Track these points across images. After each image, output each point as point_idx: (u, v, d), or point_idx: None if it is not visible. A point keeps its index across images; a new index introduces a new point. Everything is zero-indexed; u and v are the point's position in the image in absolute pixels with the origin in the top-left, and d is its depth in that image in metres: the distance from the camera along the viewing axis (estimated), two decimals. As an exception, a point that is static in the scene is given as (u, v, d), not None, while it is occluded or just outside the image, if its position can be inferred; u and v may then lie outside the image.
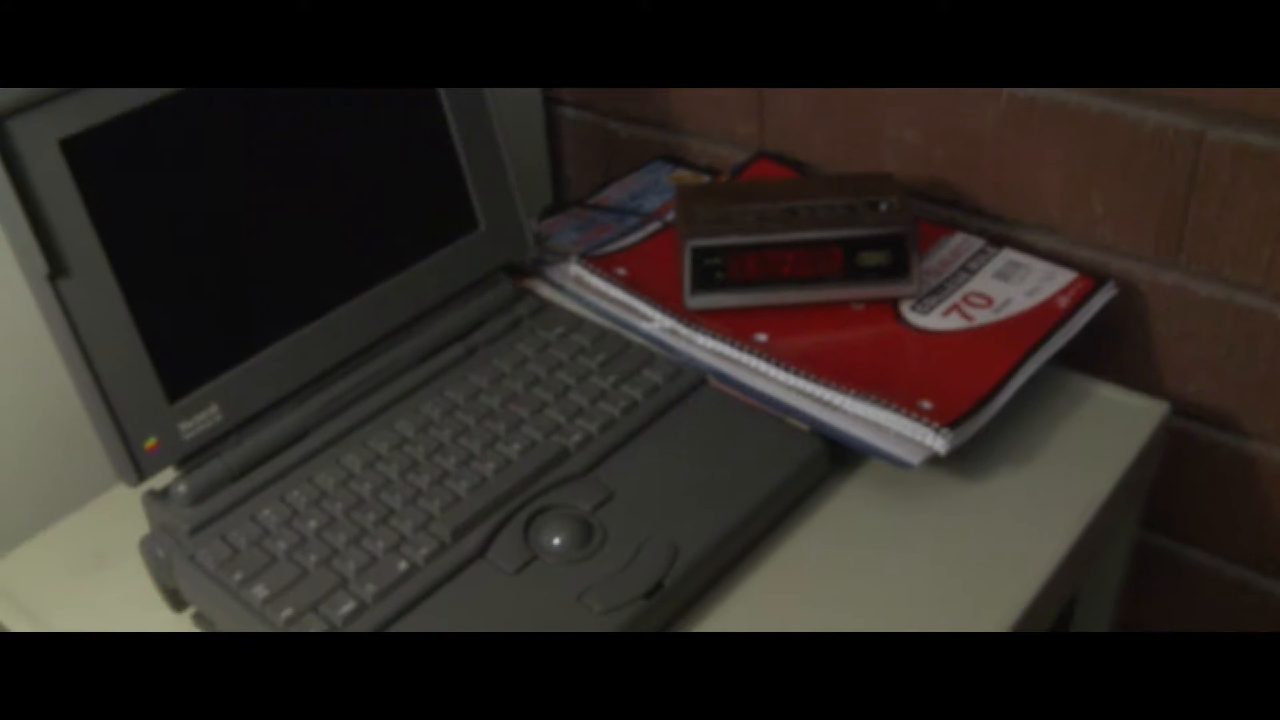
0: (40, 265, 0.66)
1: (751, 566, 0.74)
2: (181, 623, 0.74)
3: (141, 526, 0.75)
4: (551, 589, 0.68)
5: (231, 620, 0.69)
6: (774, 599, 0.72)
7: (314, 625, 0.66)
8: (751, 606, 0.72)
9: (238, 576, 0.68)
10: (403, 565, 0.69)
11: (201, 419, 0.72)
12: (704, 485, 0.74)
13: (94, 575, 0.78)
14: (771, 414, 0.78)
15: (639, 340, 0.83)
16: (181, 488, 0.72)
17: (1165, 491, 0.92)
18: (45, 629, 0.75)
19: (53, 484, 0.86)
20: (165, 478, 0.73)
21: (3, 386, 0.83)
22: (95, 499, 0.83)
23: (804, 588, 0.72)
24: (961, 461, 0.78)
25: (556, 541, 0.71)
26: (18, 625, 0.75)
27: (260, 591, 0.68)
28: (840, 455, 0.78)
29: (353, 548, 0.70)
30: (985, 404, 0.76)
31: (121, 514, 0.81)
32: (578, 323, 0.84)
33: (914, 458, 0.74)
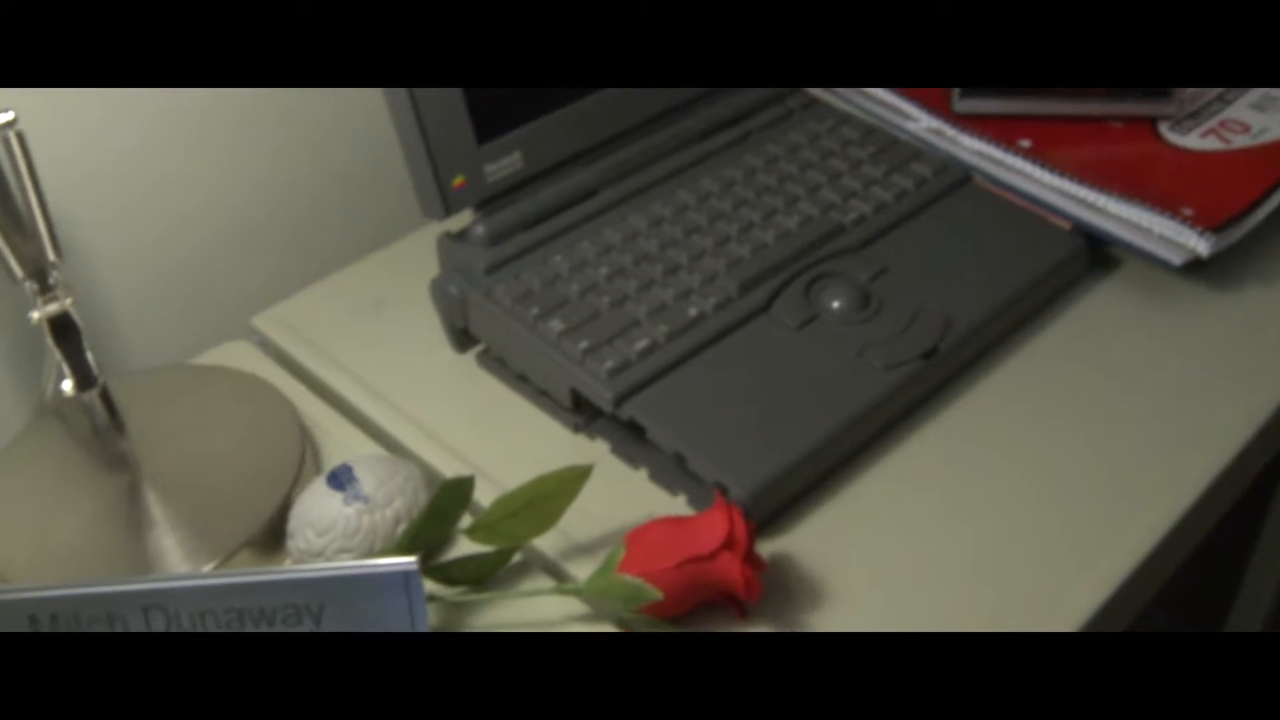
0: None
1: (1012, 350, 0.77)
2: (463, 362, 0.78)
3: (417, 278, 0.79)
4: (833, 345, 0.72)
5: (524, 354, 0.73)
6: (1032, 380, 0.75)
7: (609, 358, 0.69)
8: (1011, 386, 0.75)
9: (534, 311, 0.72)
10: (693, 311, 0.72)
11: (504, 164, 0.75)
12: (973, 269, 0.77)
13: (373, 318, 0.83)
14: (1035, 212, 0.80)
15: (905, 137, 0.86)
16: (480, 229, 0.75)
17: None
18: (330, 360, 0.79)
19: (334, 237, 0.91)
20: (459, 222, 0.77)
21: (296, 147, 0.87)
22: (371, 253, 0.88)
23: (1056, 373, 0.75)
24: (1212, 274, 0.80)
25: (836, 304, 0.74)
26: (304, 357, 0.80)
27: (557, 325, 0.71)
28: (1097, 259, 0.81)
29: (643, 294, 0.73)
30: (1246, 214, 0.78)
31: (398, 266, 0.86)
32: (845, 118, 0.87)
33: (1176, 258, 0.76)
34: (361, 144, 0.92)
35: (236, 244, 0.87)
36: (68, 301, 0.67)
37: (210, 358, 0.81)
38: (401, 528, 0.67)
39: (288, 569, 0.61)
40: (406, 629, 0.61)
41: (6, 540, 0.69)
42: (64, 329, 0.67)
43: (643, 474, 0.70)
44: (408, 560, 0.60)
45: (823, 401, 0.69)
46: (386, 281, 0.85)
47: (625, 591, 0.61)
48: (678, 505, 0.69)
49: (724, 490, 0.65)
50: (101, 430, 0.72)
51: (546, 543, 0.66)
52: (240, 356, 0.81)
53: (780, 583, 0.64)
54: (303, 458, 0.72)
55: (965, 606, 0.63)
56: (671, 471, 0.69)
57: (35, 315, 0.66)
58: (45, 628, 0.62)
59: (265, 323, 0.82)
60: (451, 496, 0.65)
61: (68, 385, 0.69)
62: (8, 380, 0.81)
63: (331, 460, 0.73)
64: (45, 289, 0.66)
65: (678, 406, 0.68)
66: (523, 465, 0.68)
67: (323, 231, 0.91)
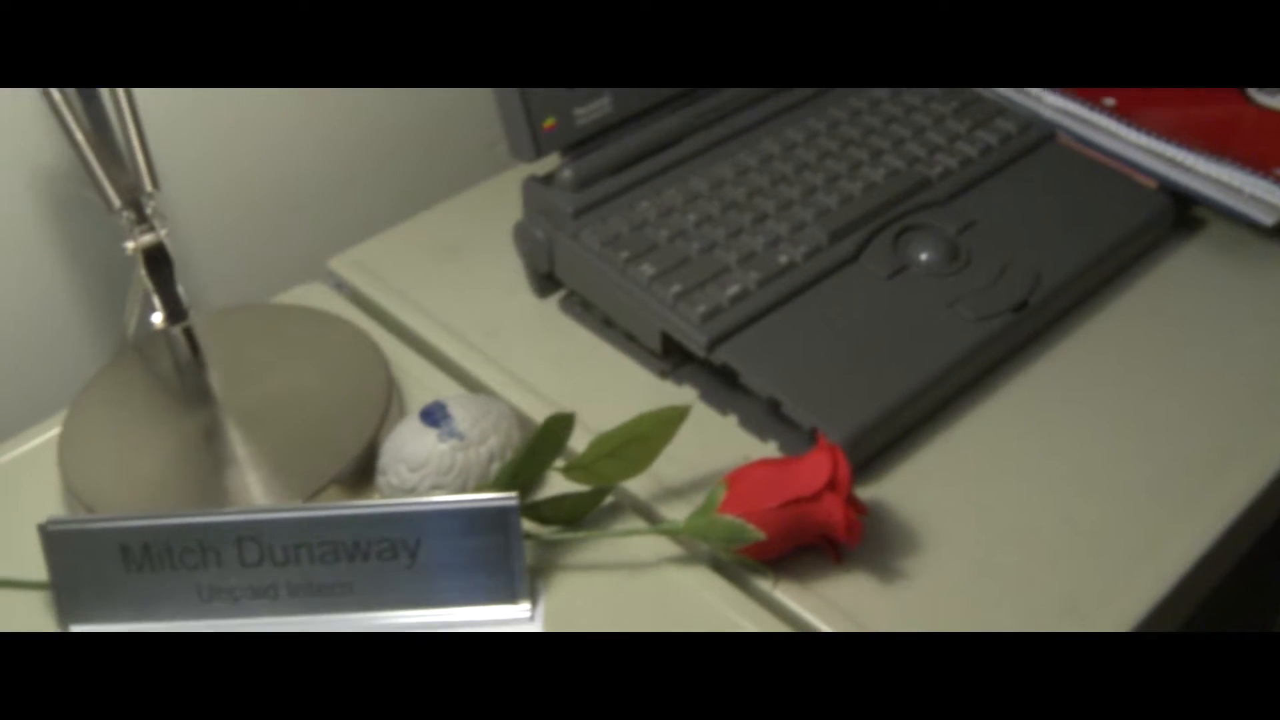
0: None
1: (1098, 307, 0.76)
2: (543, 307, 0.78)
3: (492, 224, 0.79)
4: (923, 296, 0.71)
5: (613, 298, 0.73)
6: (1119, 338, 0.75)
7: (702, 303, 0.69)
8: (1098, 343, 0.75)
9: (624, 255, 0.72)
10: (783, 259, 0.72)
11: (594, 108, 0.75)
12: (1059, 225, 0.76)
13: (449, 263, 0.82)
14: (1121, 170, 0.80)
15: (988, 94, 0.85)
16: (568, 172, 0.75)
17: None
18: (410, 303, 0.79)
19: (408, 182, 0.90)
20: (543, 167, 0.76)
21: (373, 91, 0.87)
22: (446, 199, 0.87)
23: (1142, 332, 0.75)
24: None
25: (924, 256, 0.73)
26: (383, 299, 0.80)
27: (647, 269, 0.71)
28: (1180, 220, 0.80)
29: (732, 241, 0.73)
30: (1338, 177, 0.78)
31: (473, 212, 0.85)
32: (928, 73, 0.86)
33: (1268, 218, 0.76)
34: (438, 90, 0.91)
35: (310, 188, 0.87)
36: (163, 232, 0.66)
37: (284, 300, 0.81)
38: (495, 466, 0.66)
39: (386, 502, 0.61)
40: (503, 566, 0.61)
41: (92, 474, 0.69)
42: (158, 260, 0.67)
43: (731, 420, 0.70)
44: (508, 495, 0.60)
45: (915, 350, 0.69)
46: (462, 227, 0.84)
47: (727, 532, 0.61)
48: (768, 451, 0.69)
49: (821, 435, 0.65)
50: (184, 367, 0.72)
51: (637, 485, 0.66)
52: (315, 298, 0.81)
53: (874, 528, 0.64)
54: (389, 396, 0.71)
55: (1056, 557, 0.63)
56: (762, 417, 0.69)
57: (130, 246, 0.66)
58: (136, 557, 0.61)
59: (342, 265, 0.82)
60: (551, 434, 0.65)
61: (157, 318, 0.69)
62: (83, 321, 0.80)
63: (413, 401, 0.73)
64: (141, 219, 0.66)
65: (771, 352, 0.68)
66: (608, 409, 0.67)
67: (396, 177, 0.91)
